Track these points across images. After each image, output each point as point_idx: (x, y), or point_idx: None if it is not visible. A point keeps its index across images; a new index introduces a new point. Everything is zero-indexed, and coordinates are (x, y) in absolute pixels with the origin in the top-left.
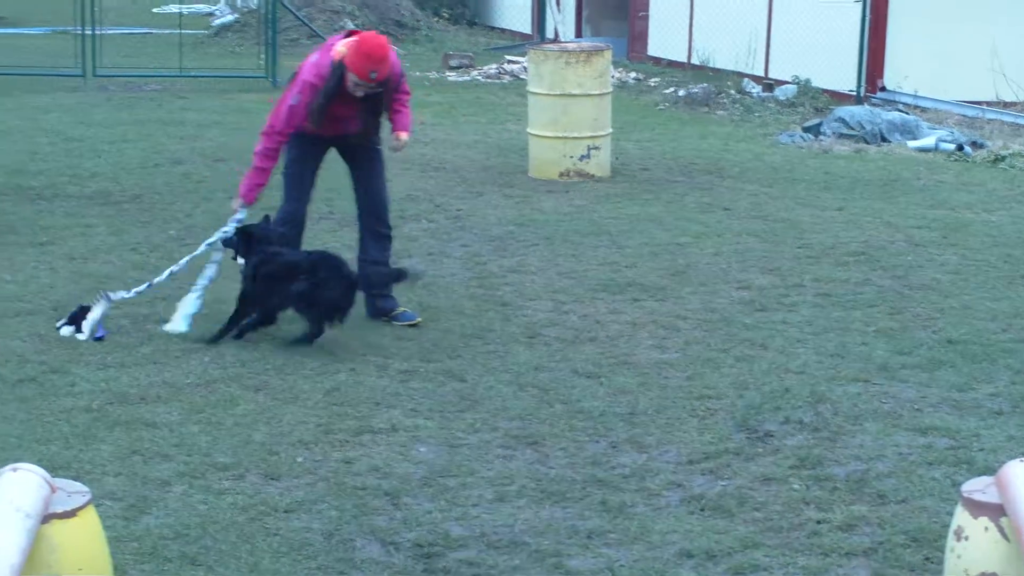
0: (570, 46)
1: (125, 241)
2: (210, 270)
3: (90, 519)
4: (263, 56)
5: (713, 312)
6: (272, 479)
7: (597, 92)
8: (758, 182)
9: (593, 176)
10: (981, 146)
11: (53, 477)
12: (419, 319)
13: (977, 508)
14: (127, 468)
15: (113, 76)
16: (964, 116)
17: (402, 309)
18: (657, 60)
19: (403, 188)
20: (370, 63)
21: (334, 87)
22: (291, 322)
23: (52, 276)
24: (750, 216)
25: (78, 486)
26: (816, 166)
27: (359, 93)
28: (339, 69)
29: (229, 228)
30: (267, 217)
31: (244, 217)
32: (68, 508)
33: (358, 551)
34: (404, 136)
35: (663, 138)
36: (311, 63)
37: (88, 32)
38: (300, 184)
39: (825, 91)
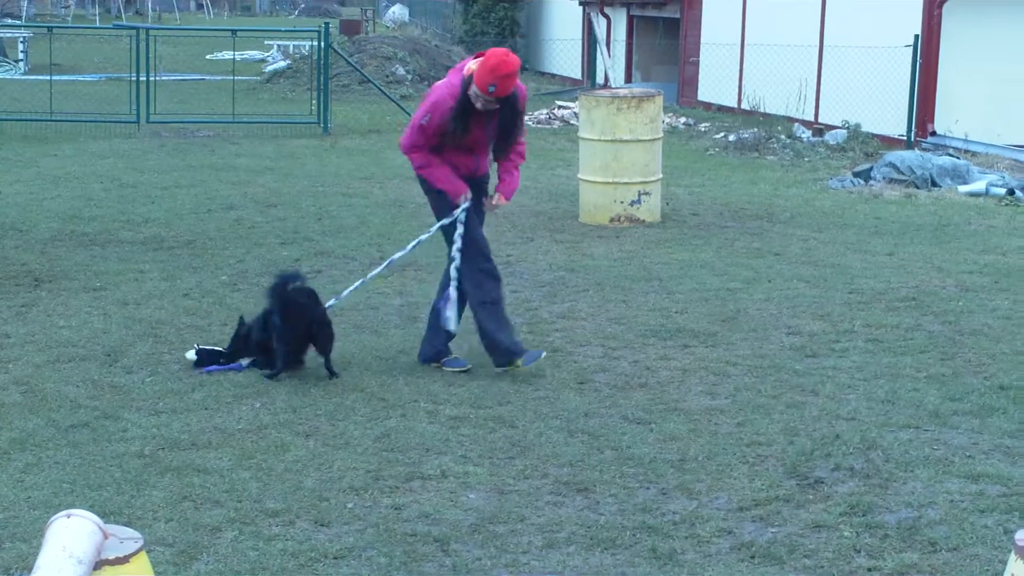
0: (621, 92)
1: (177, 286)
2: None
3: (142, 565)
4: (315, 102)
5: (763, 358)
6: (322, 525)
7: (648, 138)
8: (808, 227)
9: (644, 221)
10: None
11: (105, 523)
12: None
13: None
14: (178, 514)
15: (167, 122)
16: (1015, 160)
17: (528, 350)
18: (707, 105)
19: None
20: (491, 77)
21: (463, 100)
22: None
23: (105, 321)
24: (800, 261)
25: (130, 532)
26: (866, 211)
27: (478, 105)
28: (466, 83)
29: (459, 213)
30: None
31: (468, 206)
32: (121, 554)
33: None
34: (503, 202)
35: (713, 183)
36: (443, 83)
37: (142, 79)
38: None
39: (875, 136)
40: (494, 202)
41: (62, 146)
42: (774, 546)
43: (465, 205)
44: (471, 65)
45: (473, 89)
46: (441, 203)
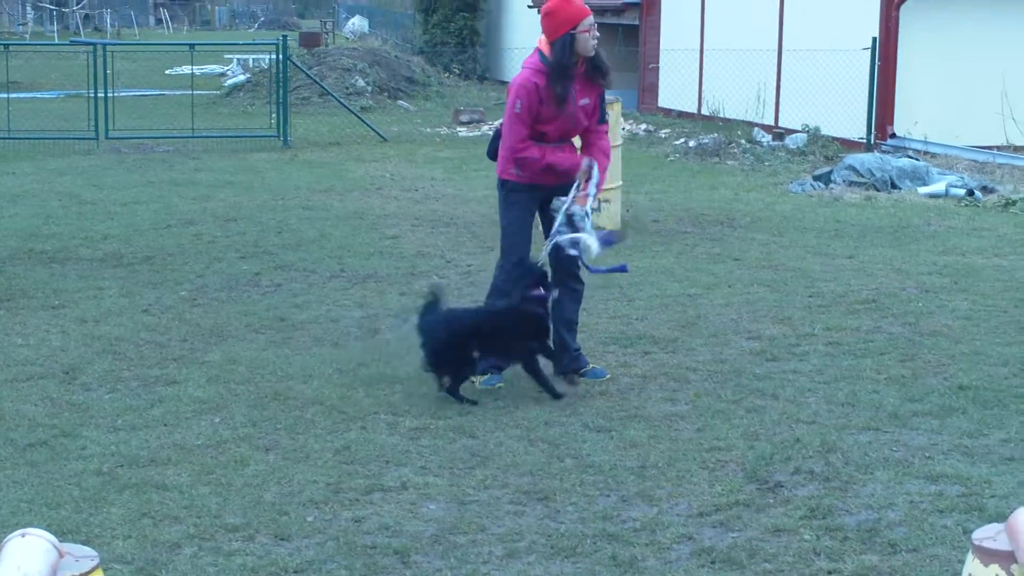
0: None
1: (136, 303)
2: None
3: None
4: (274, 115)
5: (723, 363)
6: (282, 539)
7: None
8: (769, 231)
9: (604, 229)
10: (992, 191)
11: (62, 541)
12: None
13: (988, 556)
14: (137, 531)
15: (126, 138)
16: (974, 161)
17: (592, 366)
18: (668, 111)
19: (414, 244)
20: (576, 2)
21: (569, 58)
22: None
23: (64, 339)
24: (761, 266)
25: (86, 550)
26: (827, 214)
27: (593, 40)
28: (563, 42)
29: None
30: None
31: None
32: (76, 573)
33: None
34: (586, 203)
35: (673, 189)
36: (523, 74)
37: (101, 95)
38: (520, 235)
39: (835, 139)
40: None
41: (20, 164)
42: (734, 551)
43: (593, 175)
44: (540, 41)
45: (579, 28)
46: (510, 211)
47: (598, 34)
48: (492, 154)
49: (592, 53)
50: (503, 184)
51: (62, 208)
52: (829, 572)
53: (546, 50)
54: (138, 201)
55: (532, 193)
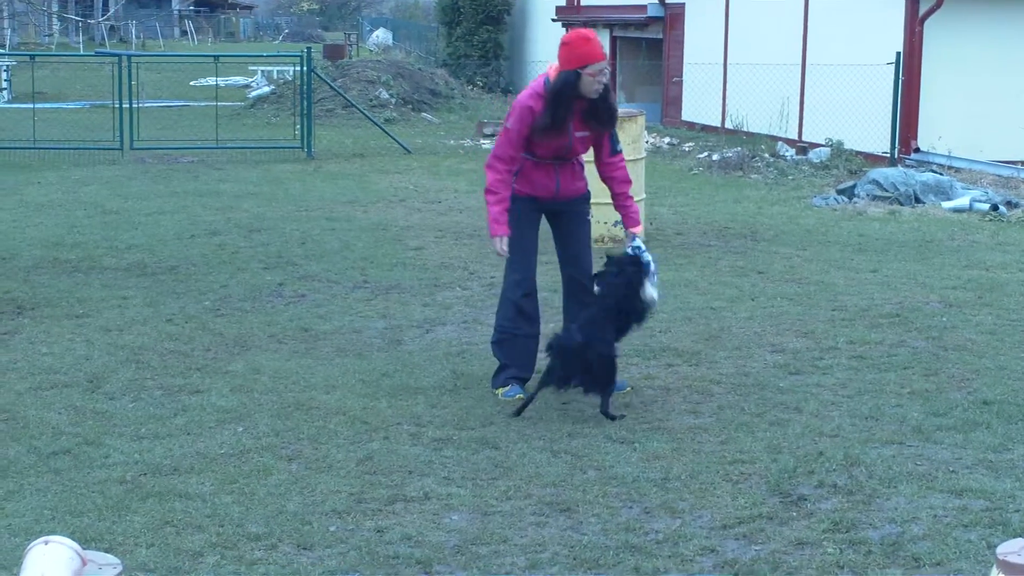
0: None
1: (160, 312)
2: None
3: None
4: (298, 127)
5: (747, 376)
6: (304, 549)
7: (631, 158)
8: (792, 245)
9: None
10: (1016, 205)
11: (85, 549)
12: (629, 387)
13: (1012, 570)
14: (160, 539)
15: (150, 149)
16: (998, 176)
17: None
18: (691, 125)
19: (438, 256)
20: (594, 44)
21: (567, 92)
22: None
23: (88, 348)
24: (784, 279)
25: (109, 558)
26: (850, 228)
27: (597, 86)
28: (567, 76)
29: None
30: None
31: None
32: None
33: None
34: (638, 231)
35: (697, 202)
36: (524, 92)
37: (125, 106)
38: (522, 251)
39: (859, 153)
40: (634, 238)
41: (45, 174)
42: (757, 564)
43: (503, 248)
44: (552, 65)
45: (587, 72)
46: (512, 253)
47: (606, 81)
48: None
49: (594, 96)
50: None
51: (87, 218)
52: None
53: (553, 76)
54: (162, 211)
55: (531, 205)
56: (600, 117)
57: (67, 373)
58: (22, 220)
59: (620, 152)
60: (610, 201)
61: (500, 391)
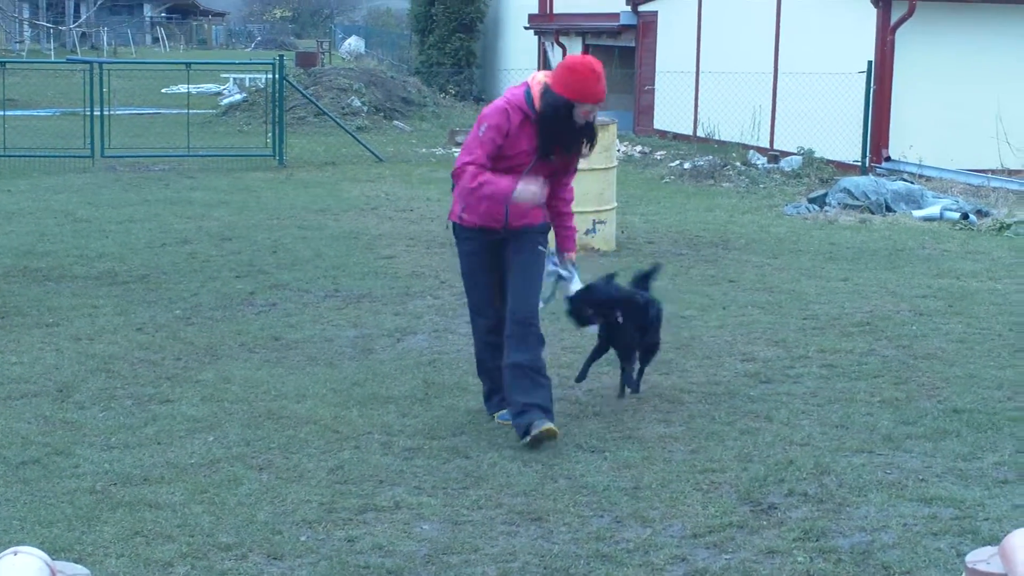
0: None
1: (131, 321)
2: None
3: None
4: (270, 135)
5: (718, 385)
6: (275, 559)
7: (602, 166)
8: (763, 254)
9: (598, 250)
10: (986, 214)
11: (55, 559)
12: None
13: None
14: (129, 550)
15: (121, 156)
16: (969, 185)
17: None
18: (663, 133)
19: (409, 265)
20: (601, 84)
21: (564, 119)
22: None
23: (58, 357)
24: (755, 288)
25: (78, 569)
26: (821, 237)
27: (585, 120)
28: (558, 102)
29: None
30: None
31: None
32: None
33: None
34: (572, 257)
35: (669, 211)
36: (500, 101)
37: (96, 113)
38: (477, 289)
39: (830, 162)
40: (568, 264)
41: (15, 182)
42: (728, 572)
43: (536, 186)
44: (539, 77)
45: (573, 105)
46: (463, 261)
47: (592, 119)
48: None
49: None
50: (453, 229)
51: (57, 226)
52: None
53: (536, 92)
54: (133, 219)
55: (481, 240)
56: (579, 143)
57: (36, 382)
58: None
59: (576, 171)
60: (583, 209)
61: (497, 414)
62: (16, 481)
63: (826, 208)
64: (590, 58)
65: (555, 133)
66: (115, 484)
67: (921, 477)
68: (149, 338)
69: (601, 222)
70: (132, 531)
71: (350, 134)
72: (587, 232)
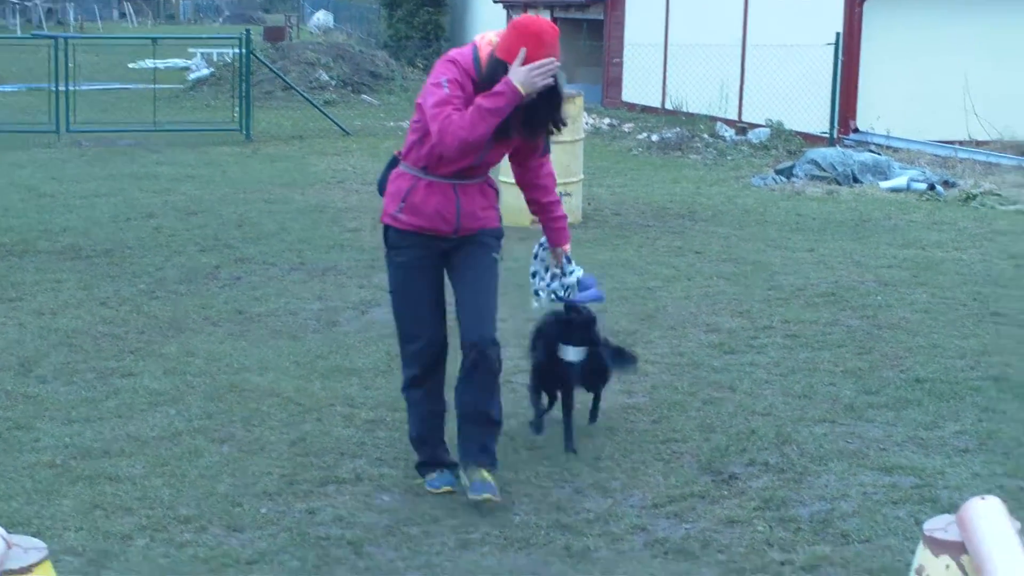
0: None
1: (94, 295)
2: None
3: (46, 575)
4: (237, 109)
5: (681, 356)
6: (235, 531)
7: (568, 139)
8: (730, 225)
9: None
10: (953, 185)
11: (12, 533)
12: (492, 497)
13: (938, 546)
14: (88, 523)
15: (87, 132)
16: (936, 156)
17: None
18: (631, 106)
19: (375, 238)
20: (548, 46)
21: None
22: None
23: (20, 331)
24: (721, 259)
25: (35, 542)
26: (788, 208)
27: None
28: (500, 68)
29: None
30: None
31: None
32: (24, 564)
33: None
34: (567, 250)
35: (636, 183)
36: (445, 55)
37: (62, 88)
38: (413, 309)
39: (798, 133)
40: (568, 260)
41: None
42: (687, 542)
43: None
44: (489, 37)
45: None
46: (396, 275)
47: (550, 84)
48: (382, 188)
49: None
50: (384, 235)
51: (21, 201)
52: (781, 563)
53: (484, 55)
54: (98, 194)
55: (423, 247)
56: (541, 121)
57: None
58: None
59: (549, 152)
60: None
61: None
62: None
63: (793, 179)
64: (541, 18)
65: None
66: (75, 458)
67: (882, 446)
68: (113, 312)
69: (567, 194)
70: (91, 504)
71: (317, 108)
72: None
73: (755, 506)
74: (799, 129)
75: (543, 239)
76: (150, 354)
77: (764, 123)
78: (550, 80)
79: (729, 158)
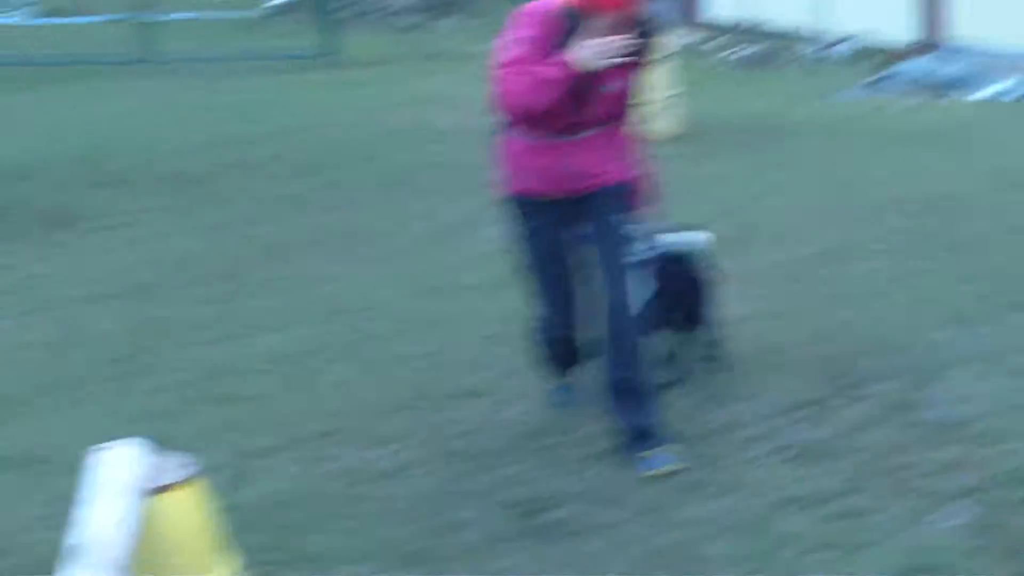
0: None
1: (201, 221)
2: None
3: (195, 491)
4: (322, 34)
5: (789, 266)
6: (368, 446)
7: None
8: (822, 138)
9: (657, 139)
10: None
11: (156, 451)
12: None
13: None
14: (224, 441)
15: (177, 60)
16: None
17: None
18: (714, 24)
19: (472, 156)
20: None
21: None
22: None
23: (134, 258)
24: (816, 172)
25: (183, 459)
26: (878, 121)
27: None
28: (567, 11)
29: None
30: None
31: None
32: (173, 481)
33: (454, 513)
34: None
35: (725, 99)
36: (531, 3)
37: (148, 19)
38: (544, 278)
39: (886, 46)
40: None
41: (75, 87)
42: (814, 448)
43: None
44: None
45: (597, 23)
46: (521, 244)
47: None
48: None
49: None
50: (502, 204)
51: (116, 130)
52: (912, 466)
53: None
54: (188, 122)
55: (539, 211)
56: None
57: (114, 284)
58: (53, 135)
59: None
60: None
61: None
62: (107, 379)
63: (883, 92)
64: None
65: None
66: (210, 377)
67: (1007, 349)
68: (221, 237)
69: (659, 111)
70: (226, 423)
71: (404, 31)
72: (643, 123)
73: (881, 411)
74: (888, 41)
75: None
76: (265, 276)
77: (852, 36)
78: (615, 59)
79: (817, 73)
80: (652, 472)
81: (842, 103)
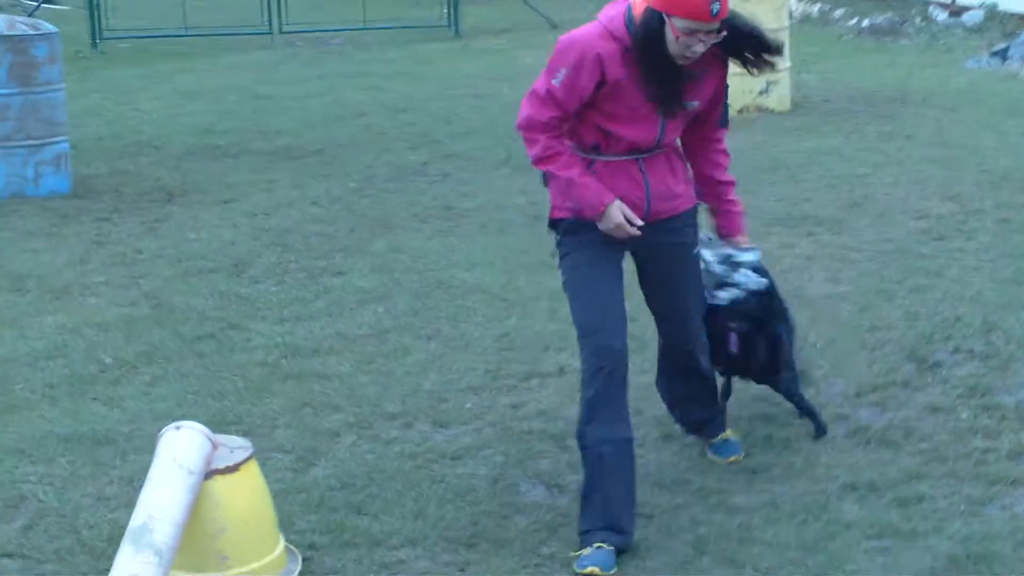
0: None
1: (306, 195)
2: None
3: (252, 473)
4: (446, 5)
5: (889, 243)
6: (440, 426)
7: (774, 26)
8: (941, 108)
9: (773, 111)
10: None
11: (224, 432)
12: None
13: None
14: (297, 420)
15: (300, 32)
16: None
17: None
18: None
19: None
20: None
21: (654, 44)
22: None
23: (234, 232)
24: (932, 143)
25: (240, 441)
26: (1002, 91)
27: (696, 48)
28: (651, 19)
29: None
30: None
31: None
32: (230, 463)
33: (522, 495)
34: (745, 241)
35: (845, 68)
36: (580, 31)
37: None
38: (597, 303)
39: (1014, 14)
40: (744, 251)
41: (197, 61)
42: (889, 430)
43: (634, 232)
44: None
45: (681, 24)
46: (576, 270)
47: (700, 48)
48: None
49: (681, 62)
50: (554, 228)
51: (237, 103)
52: (985, 451)
53: (639, 11)
54: (310, 94)
55: (603, 237)
56: (744, 55)
57: (213, 258)
58: (175, 108)
59: (728, 125)
60: (745, 71)
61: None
62: (191, 355)
63: (1008, 61)
64: None
65: (657, 71)
66: (285, 356)
67: None
68: (323, 211)
69: (774, 82)
70: (300, 402)
71: (525, 1)
72: (760, 93)
73: (959, 393)
74: (1015, 10)
75: (708, 233)
76: (359, 252)
77: (978, 4)
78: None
79: (942, 41)
80: (717, 460)
81: (967, 71)
